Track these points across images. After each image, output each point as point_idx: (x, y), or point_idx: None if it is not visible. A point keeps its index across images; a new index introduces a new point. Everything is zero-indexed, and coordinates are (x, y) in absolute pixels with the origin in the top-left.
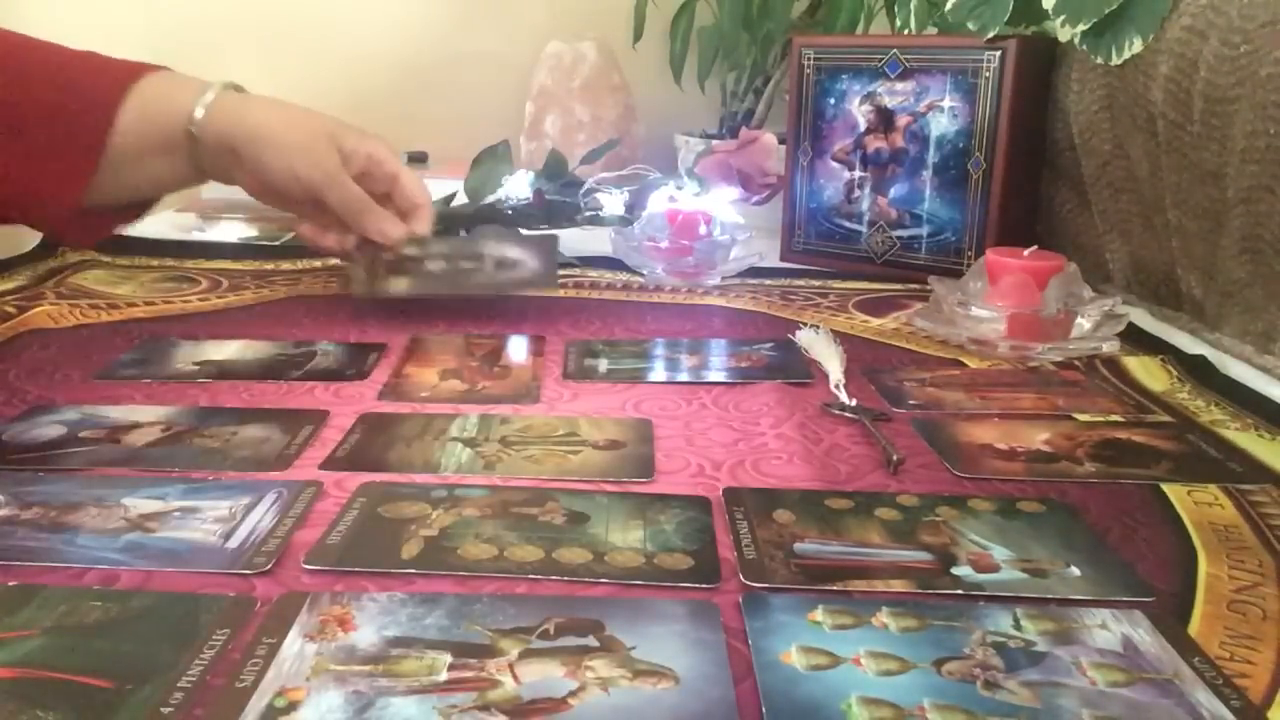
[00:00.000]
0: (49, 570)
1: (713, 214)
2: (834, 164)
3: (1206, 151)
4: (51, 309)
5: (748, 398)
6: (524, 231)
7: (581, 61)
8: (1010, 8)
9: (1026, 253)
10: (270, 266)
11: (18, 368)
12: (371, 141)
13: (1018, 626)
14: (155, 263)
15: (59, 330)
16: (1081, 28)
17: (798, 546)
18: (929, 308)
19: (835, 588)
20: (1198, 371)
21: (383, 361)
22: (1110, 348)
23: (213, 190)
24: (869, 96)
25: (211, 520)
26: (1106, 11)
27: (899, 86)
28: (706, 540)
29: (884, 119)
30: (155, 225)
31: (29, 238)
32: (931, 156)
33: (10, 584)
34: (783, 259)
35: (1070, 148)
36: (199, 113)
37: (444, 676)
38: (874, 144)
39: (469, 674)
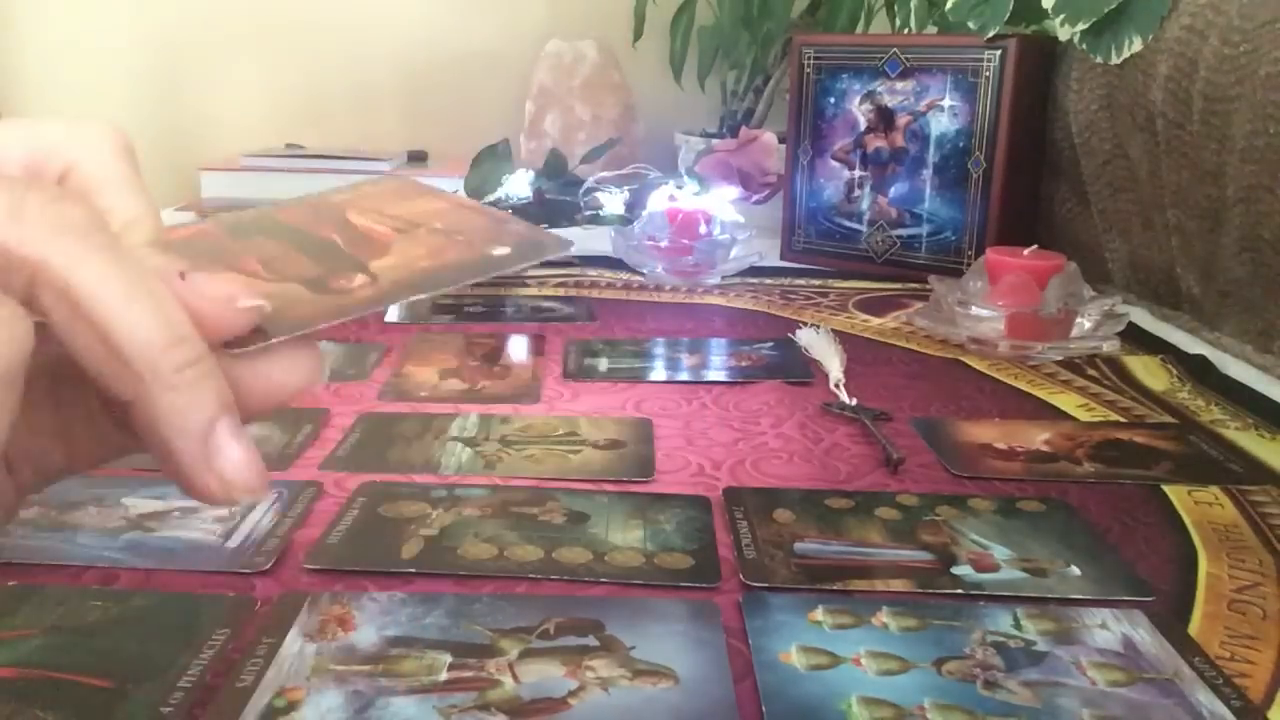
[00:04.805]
0: (48, 569)
1: (713, 213)
2: (834, 163)
3: (1206, 151)
4: None
5: (748, 397)
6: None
7: (581, 60)
8: (1010, 7)
9: (1026, 252)
10: None
11: None
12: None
13: (1018, 626)
14: None
15: None
16: (1081, 27)
17: (798, 546)
18: (929, 307)
19: (835, 587)
20: (1198, 371)
21: (383, 361)
22: (1110, 347)
23: (212, 190)
24: (869, 95)
25: (211, 520)
26: (1106, 11)
27: (899, 86)
28: (706, 540)
29: (884, 118)
30: None
31: None
32: (931, 156)
33: (10, 584)
34: (783, 258)
35: (1070, 147)
36: None
37: (444, 676)
38: (874, 143)
39: (469, 674)
